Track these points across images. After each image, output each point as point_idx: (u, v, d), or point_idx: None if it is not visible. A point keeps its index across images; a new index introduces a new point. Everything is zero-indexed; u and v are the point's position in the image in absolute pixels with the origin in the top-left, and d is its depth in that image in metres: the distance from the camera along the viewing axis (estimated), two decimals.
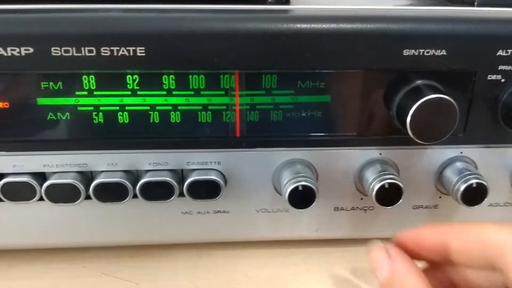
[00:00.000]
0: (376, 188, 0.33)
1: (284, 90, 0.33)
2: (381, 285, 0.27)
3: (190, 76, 0.32)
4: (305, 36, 0.31)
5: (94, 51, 0.30)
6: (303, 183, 0.32)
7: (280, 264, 0.38)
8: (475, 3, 0.37)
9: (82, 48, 0.30)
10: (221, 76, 0.32)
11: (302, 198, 0.33)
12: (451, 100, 0.31)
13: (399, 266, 0.27)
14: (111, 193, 0.33)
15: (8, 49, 0.30)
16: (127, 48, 0.30)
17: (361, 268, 0.37)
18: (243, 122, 0.34)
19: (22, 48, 0.30)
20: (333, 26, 0.31)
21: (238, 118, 0.34)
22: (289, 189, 0.32)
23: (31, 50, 0.30)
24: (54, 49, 0.30)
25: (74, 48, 0.30)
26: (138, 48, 0.30)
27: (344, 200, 0.37)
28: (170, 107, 0.33)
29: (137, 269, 0.37)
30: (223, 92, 0.33)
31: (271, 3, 0.35)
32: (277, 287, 0.36)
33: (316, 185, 0.33)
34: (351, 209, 0.37)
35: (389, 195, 0.33)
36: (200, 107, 0.33)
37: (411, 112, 0.30)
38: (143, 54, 0.30)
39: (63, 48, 0.30)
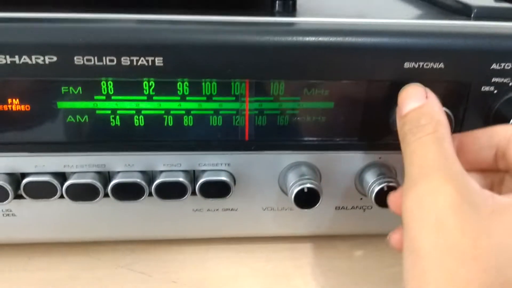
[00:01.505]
0: (375, 190, 0.35)
1: (290, 96, 0.35)
2: (403, 115, 0.30)
3: (203, 83, 0.34)
4: (311, 48, 0.32)
5: (115, 60, 0.31)
6: (308, 185, 0.35)
7: (283, 257, 0.40)
8: (472, 16, 0.39)
9: (104, 57, 0.31)
10: (232, 83, 0.34)
11: (307, 199, 0.35)
12: (448, 111, 0.33)
13: (435, 103, 0.29)
14: (128, 192, 0.35)
15: (33, 57, 0.31)
16: (146, 58, 0.31)
17: (359, 262, 0.40)
18: (252, 127, 0.36)
19: (46, 57, 0.31)
20: (338, 39, 0.32)
21: (247, 123, 0.36)
22: (295, 191, 0.35)
23: (55, 58, 0.31)
24: (77, 58, 0.31)
25: (96, 57, 0.31)
26: (156, 58, 0.32)
27: (345, 200, 0.39)
28: (183, 112, 0.35)
29: (150, 262, 0.39)
30: (233, 98, 0.35)
31: (278, 15, 0.37)
32: (281, 279, 0.38)
33: (320, 187, 0.35)
34: (351, 208, 0.39)
35: (387, 197, 0.35)
36: (212, 112, 0.35)
37: None
38: (161, 64, 0.32)
39: (85, 57, 0.31)
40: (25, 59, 0.31)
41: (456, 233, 0.23)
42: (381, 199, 0.36)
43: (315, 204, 0.35)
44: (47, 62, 0.31)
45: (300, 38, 0.32)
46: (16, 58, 0.31)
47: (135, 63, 0.32)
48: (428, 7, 0.45)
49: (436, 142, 0.27)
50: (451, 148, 0.27)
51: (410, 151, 0.28)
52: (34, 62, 0.31)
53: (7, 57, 0.31)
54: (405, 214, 0.25)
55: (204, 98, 0.35)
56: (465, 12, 0.40)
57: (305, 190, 0.35)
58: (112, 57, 0.31)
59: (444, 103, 0.33)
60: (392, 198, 0.32)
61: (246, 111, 0.35)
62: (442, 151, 0.26)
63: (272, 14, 0.38)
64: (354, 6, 0.44)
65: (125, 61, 0.32)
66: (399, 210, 0.31)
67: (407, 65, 0.33)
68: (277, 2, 0.38)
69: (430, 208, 0.24)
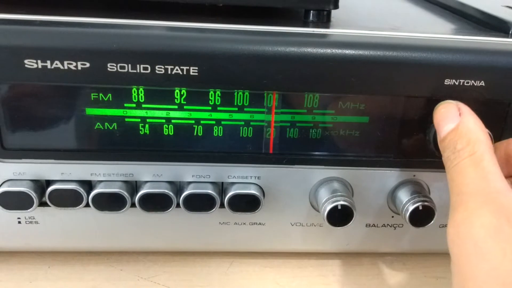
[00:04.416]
0: (410, 209, 0.34)
1: (324, 109, 0.34)
2: (442, 139, 0.29)
3: (235, 94, 0.33)
4: (351, 62, 0.32)
5: (149, 68, 0.31)
6: (342, 202, 0.34)
7: (310, 274, 0.39)
8: (510, 33, 0.38)
9: (138, 65, 0.31)
10: (265, 94, 0.33)
11: (340, 216, 0.34)
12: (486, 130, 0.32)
13: (469, 119, 0.29)
14: (155, 203, 0.35)
15: (65, 62, 0.30)
16: (181, 67, 0.31)
17: (388, 281, 0.39)
18: (283, 139, 0.35)
19: (79, 63, 0.31)
20: (378, 53, 0.32)
21: (272, 135, 0.35)
22: (328, 208, 0.34)
23: (88, 64, 0.31)
24: (110, 65, 0.31)
25: (129, 65, 0.31)
26: (191, 68, 0.31)
27: (376, 217, 0.38)
28: (214, 122, 0.34)
29: (173, 274, 0.38)
30: (265, 110, 0.34)
31: (312, 25, 0.36)
32: None
33: (354, 205, 0.34)
34: (382, 226, 0.38)
35: (421, 217, 0.35)
36: (243, 123, 0.34)
37: None
38: (196, 74, 0.31)
39: (119, 64, 0.31)
40: (56, 64, 0.30)
41: (495, 256, 0.23)
42: (416, 218, 0.35)
43: (348, 222, 0.34)
44: (79, 68, 0.31)
45: (339, 51, 0.32)
46: (48, 63, 0.30)
47: (169, 72, 0.31)
48: (461, 22, 0.44)
49: (473, 164, 0.26)
50: (492, 165, 0.26)
51: (450, 178, 0.28)
52: (66, 67, 0.31)
53: (39, 61, 0.30)
54: (448, 241, 0.26)
55: (236, 109, 0.34)
56: (502, 29, 0.39)
57: (339, 207, 0.34)
58: (146, 65, 0.31)
59: (483, 121, 0.33)
60: None
61: (271, 123, 0.34)
62: (479, 172, 0.26)
63: (306, 24, 0.37)
64: (387, 18, 0.43)
65: (160, 69, 0.31)
66: None
67: (447, 82, 0.32)
68: (311, 12, 0.38)
69: (467, 236, 0.24)
